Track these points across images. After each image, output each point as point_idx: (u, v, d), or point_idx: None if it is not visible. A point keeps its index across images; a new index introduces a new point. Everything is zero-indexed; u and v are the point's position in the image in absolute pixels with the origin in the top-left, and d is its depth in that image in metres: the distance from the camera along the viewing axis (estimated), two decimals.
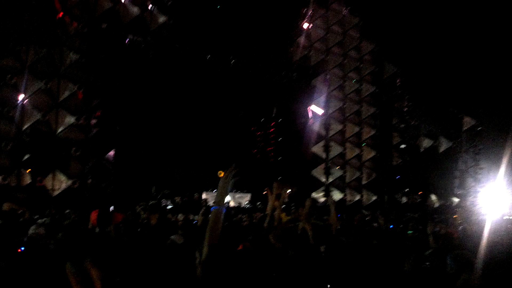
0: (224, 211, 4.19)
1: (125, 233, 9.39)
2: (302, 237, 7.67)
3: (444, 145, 33.66)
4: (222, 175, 4.51)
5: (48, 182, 21.28)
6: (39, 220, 12.79)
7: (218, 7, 27.35)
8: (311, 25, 31.24)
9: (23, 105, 21.56)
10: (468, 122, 34.26)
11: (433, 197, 32.16)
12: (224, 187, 4.41)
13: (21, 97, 21.56)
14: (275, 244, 6.62)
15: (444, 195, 32.50)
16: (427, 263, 6.39)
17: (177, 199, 24.23)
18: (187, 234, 8.40)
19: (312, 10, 31.31)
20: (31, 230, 7.15)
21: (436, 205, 31.79)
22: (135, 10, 24.94)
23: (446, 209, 29.55)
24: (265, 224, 9.63)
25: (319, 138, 30.38)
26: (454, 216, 24.38)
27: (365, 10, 32.34)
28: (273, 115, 29.20)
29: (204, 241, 3.97)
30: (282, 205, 8.50)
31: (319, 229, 8.02)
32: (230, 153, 26.96)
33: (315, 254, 6.77)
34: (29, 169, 20.90)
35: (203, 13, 27.04)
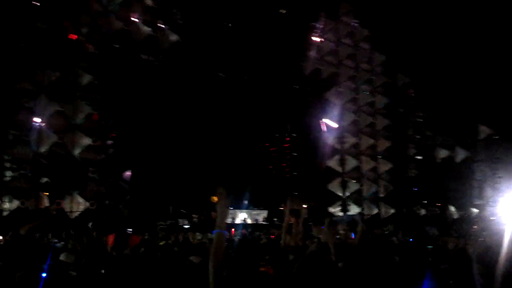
0: (225, 233, 4.17)
1: (144, 256, 9.37)
2: (320, 255, 7.59)
3: (460, 155, 33.31)
4: (215, 199, 4.47)
5: (66, 204, 21.40)
6: (57, 244, 12.86)
7: (230, 25, 27.52)
8: (322, 38, 31.26)
9: (39, 128, 21.77)
10: (484, 131, 33.89)
11: (452, 209, 31.76)
12: (222, 209, 4.35)
13: (37, 120, 21.79)
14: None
15: (463, 206, 32.08)
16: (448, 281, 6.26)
17: (195, 217, 24.24)
18: (204, 253, 8.36)
19: (323, 23, 31.35)
20: (61, 257, 7.18)
21: (455, 216, 31.39)
22: (146, 29, 25.23)
23: (466, 220, 29.17)
24: (282, 242, 9.57)
25: (334, 151, 30.22)
26: (474, 227, 24.07)
27: (375, 22, 32.33)
28: (287, 130, 29.17)
29: (209, 265, 3.99)
30: (302, 221, 8.47)
31: (338, 246, 7.93)
32: (245, 170, 26.99)
33: (335, 273, 6.67)
34: (47, 192, 21.04)
35: (214, 31, 27.27)
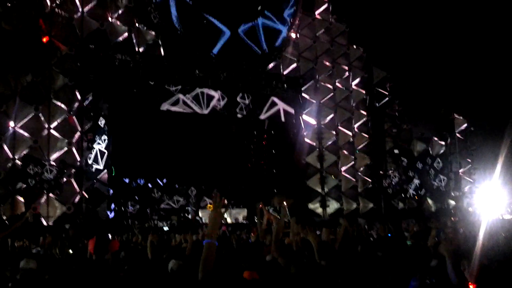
0: (216, 244, 4.08)
1: (125, 261, 9.25)
2: (302, 252, 7.61)
3: (437, 147, 33.73)
4: (211, 208, 4.37)
5: (42, 209, 21.11)
6: (33, 250, 12.68)
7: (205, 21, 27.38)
8: (299, 34, 31.27)
9: (14, 132, 21.44)
10: (460, 123, 34.40)
11: (430, 201, 32.13)
12: (216, 219, 4.24)
13: (12, 123, 21.45)
14: (278, 258, 6.58)
15: (440, 198, 32.47)
16: (431, 279, 6.29)
17: (174, 219, 24.10)
18: (183, 258, 8.28)
19: (299, 19, 31.34)
20: (21, 264, 6.90)
21: (433, 209, 31.76)
22: (122, 29, 24.97)
23: (443, 212, 29.54)
24: (261, 238, 9.54)
25: (312, 148, 30.33)
26: (453, 219, 24.36)
27: (351, 16, 32.47)
28: (265, 127, 29.14)
29: (199, 273, 3.93)
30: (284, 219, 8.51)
31: (322, 244, 7.93)
32: (224, 168, 26.89)
33: (319, 270, 6.69)
34: (23, 197, 20.72)
35: (193, 27, 27.12)
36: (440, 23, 34.97)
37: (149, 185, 26.49)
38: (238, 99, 28.71)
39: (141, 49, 25.44)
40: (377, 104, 32.82)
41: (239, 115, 28.43)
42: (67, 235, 13.24)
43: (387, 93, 33.15)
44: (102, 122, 23.44)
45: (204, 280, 3.90)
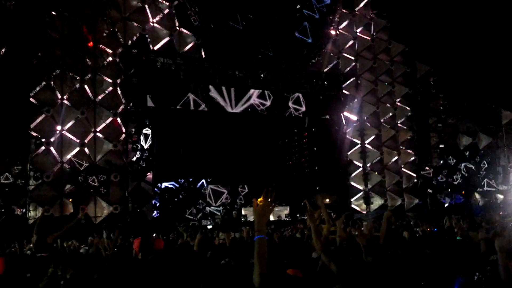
0: (266, 238, 4.10)
1: (167, 260, 9.42)
2: (346, 250, 7.59)
3: (484, 141, 32.85)
4: (260, 201, 4.35)
5: (90, 209, 21.74)
6: (81, 250, 13.06)
7: (242, 25, 27.59)
8: (339, 31, 31.10)
9: (61, 136, 22.15)
10: (507, 116, 33.36)
11: (477, 196, 31.36)
12: (263, 214, 4.25)
13: (59, 128, 22.16)
14: (321, 255, 6.59)
15: (488, 193, 31.66)
16: (480, 275, 6.15)
17: (217, 218, 24.38)
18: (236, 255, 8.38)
19: (339, 16, 31.16)
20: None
21: (481, 203, 30.99)
22: (164, 33, 25.44)
23: (492, 207, 28.76)
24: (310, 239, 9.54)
25: (355, 144, 30.10)
26: (500, 213, 23.71)
27: (391, 11, 32.05)
28: (306, 125, 29.08)
29: (254, 271, 3.96)
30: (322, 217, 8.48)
31: (368, 241, 7.89)
32: (266, 167, 27.01)
33: (364, 267, 6.66)
34: (71, 199, 21.38)
35: (229, 29, 27.41)
36: (485, 14, 34.08)
37: (193, 184, 26.83)
38: (279, 98, 28.78)
39: (182, 52, 25.83)
40: (420, 98, 32.28)
41: (285, 114, 28.51)
42: (113, 234, 13.57)
43: (431, 88, 32.56)
44: (146, 124, 23.92)
45: (265, 275, 3.92)
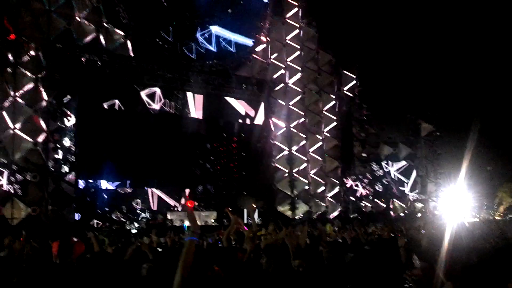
0: (197, 241, 4.01)
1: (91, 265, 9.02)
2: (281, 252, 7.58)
3: (404, 151, 34.25)
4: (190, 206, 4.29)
5: (7, 211, 20.54)
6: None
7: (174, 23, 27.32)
8: (269, 38, 31.40)
9: None
10: (426, 128, 34.97)
11: (397, 204, 32.59)
12: (193, 215, 4.19)
13: None
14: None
15: (407, 202, 32.99)
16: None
17: (142, 222, 23.79)
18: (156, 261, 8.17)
19: (269, 23, 31.46)
20: None
21: (400, 211, 32.21)
22: (90, 28, 24.62)
23: (410, 215, 29.94)
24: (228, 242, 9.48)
25: (282, 150, 30.43)
26: (419, 224, 24.63)
27: (321, 21, 32.76)
28: (235, 130, 29.07)
29: (177, 272, 3.83)
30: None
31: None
32: (193, 171, 26.72)
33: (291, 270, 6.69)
34: None
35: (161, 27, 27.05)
36: (407, 30, 35.56)
37: (116, 186, 26.09)
38: (206, 101, 28.60)
39: (109, 49, 25.10)
40: (344, 108, 33.20)
41: (211, 118, 28.44)
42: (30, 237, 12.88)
43: (355, 98, 33.58)
44: (68, 122, 22.96)
45: (184, 278, 3.81)
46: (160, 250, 11.80)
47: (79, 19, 24.32)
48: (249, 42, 30.80)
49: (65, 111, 22.76)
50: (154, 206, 26.63)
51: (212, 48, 29.90)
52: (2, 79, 21.52)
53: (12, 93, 21.87)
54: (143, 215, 24.99)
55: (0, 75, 21.43)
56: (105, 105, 25.41)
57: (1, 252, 12.49)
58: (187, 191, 27.17)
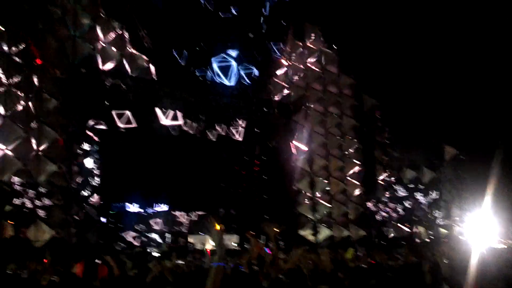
0: (225, 266, 3.97)
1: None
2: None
3: (427, 175, 33.75)
4: (218, 228, 4.26)
5: (30, 233, 20.65)
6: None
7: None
8: (290, 61, 31.55)
9: (3, 155, 21.08)
10: (450, 151, 34.47)
11: (421, 229, 32.03)
12: (221, 239, 4.16)
13: (1, 146, 21.11)
14: None
15: (431, 226, 32.41)
16: None
17: (164, 245, 23.77)
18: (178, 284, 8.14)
19: (290, 47, 31.64)
20: None
21: (425, 237, 31.63)
22: (114, 53, 25.01)
23: (434, 241, 29.38)
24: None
25: (304, 174, 30.24)
26: (442, 248, 24.18)
27: (342, 45, 32.83)
28: (257, 153, 29.09)
29: None
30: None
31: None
32: (216, 194, 26.73)
33: None
34: (11, 221, 20.28)
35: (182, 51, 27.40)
36: (430, 53, 35.40)
37: (141, 209, 26.19)
38: (228, 125, 28.69)
39: (132, 73, 25.44)
40: (366, 130, 32.97)
41: (233, 139, 28.46)
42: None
43: (377, 121, 33.34)
44: (92, 145, 23.20)
45: None
46: (181, 273, 11.73)
47: (103, 44, 24.74)
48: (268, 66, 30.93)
49: (89, 135, 23.00)
50: (176, 228, 26.62)
51: (233, 72, 30.05)
52: (27, 102, 21.82)
53: (36, 116, 22.16)
54: (165, 237, 24.98)
55: (25, 98, 21.72)
56: (126, 128, 25.62)
57: (25, 275, 12.58)
58: (210, 214, 27.15)
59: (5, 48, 21.54)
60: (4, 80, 21.20)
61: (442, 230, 32.63)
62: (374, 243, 28.33)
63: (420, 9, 35.37)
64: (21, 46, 22.03)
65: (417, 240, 30.43)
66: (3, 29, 21.49)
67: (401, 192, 32.07)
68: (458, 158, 34.47)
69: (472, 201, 32.87)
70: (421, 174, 33.40)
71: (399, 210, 31.53)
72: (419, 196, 32.72)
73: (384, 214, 31.09)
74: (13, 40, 21.83)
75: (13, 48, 21.90)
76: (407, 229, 31.43)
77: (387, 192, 31.94)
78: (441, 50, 34.77)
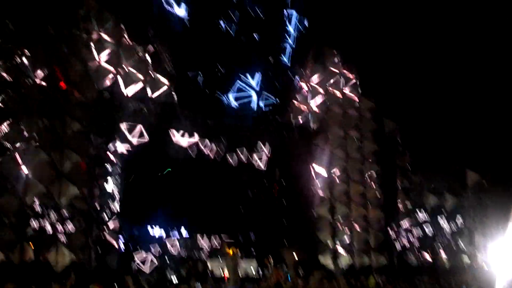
0: None
1: None
2: None
3: (450, 201, 33.23)
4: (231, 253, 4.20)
5: (51, 257, 20.70)
6: None
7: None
8: (310, 85, 31.60)
9: (26, 178, 21.26)
10: (472, 177, 33.92)
11: (443, 257, 31.41)
12: (235, 264, 4.11)
13: (24, 169, 21.31)
14: None
15: (453, 254, 31.78)
16: None
17: (182, 269, 23.63)
18: None
19: (310, 70, 31.71)
20: None
21: (447, 265, 31.01)
22: (137, 77, 25.34)
23: (457, 269, 28.85)
24: None
25: (323, 199, 29.97)
26: (465, 276, 23.76)
27: (361, 68, 32.80)
28: (276, 177, 28.98)
29: None
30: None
31: None
32: (235, 219, 26.65)
33: None
34: (32, 243, 20.35)
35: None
36: (452, 77, 35.13)
37: (160, 233, 26.19)
38: (248, 149, 28.72)
39: (154, 96, 25.73)
40: (387, 155, 32.68)
41: (253, 163, 28.45)
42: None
43: (398, 145, 33.07)
44: (114, 169, 23.38)
45: None
46: None
47: (126, 69, 25.08)
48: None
49: (110, 158, 23.18)
50: (194, 253, 26.51)
51: (254, 97, 30.02)
52: (51, 125, 22.08)
53: (60, 139, 22.41)
54: (184, 262, 24.88)
55: (49, 122, 21.98)
56: (148, 151, 25.78)
57: None
58: (228, 238, 27.02)
59: (30, 72, 21.91)
60: (28, 103, 21.51)
61: (465, 258, 31.99)
62: (395, 271, 27.84)
63: (440, 34, 35.22)
64: (46, 71, 22.39)
65: (439, 268, 29.85)
66: (28, 54, 21.89)
67: (423, 219, 31.61)
68: (481, 184, 33.89)
69: (496, 229, 32.26)
70: (443, 200, 32.90)
71: (421, 237, 31.05)
72: (441, 223, 32.22)
73: (405, 241, 30.62)
74: (38, 64, 22.21)
75: (38, 72, 22.29)
76: (428, 257, 30.88)
77: (408, 218, 31.50)
78: (463, 76, 34.46)
